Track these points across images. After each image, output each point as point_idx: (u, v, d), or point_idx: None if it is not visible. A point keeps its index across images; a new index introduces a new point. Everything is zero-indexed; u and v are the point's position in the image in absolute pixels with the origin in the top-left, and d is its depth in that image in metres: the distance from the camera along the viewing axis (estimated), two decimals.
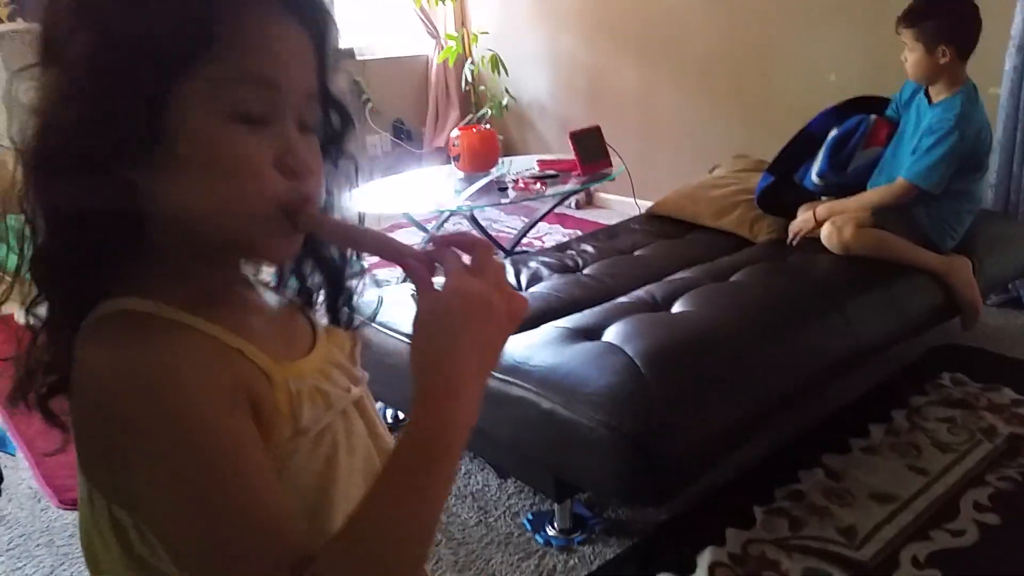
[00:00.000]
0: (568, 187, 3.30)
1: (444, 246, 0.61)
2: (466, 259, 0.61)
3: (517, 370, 1.75)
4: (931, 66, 2.40)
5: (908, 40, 2.42)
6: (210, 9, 0.56)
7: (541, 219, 3.63)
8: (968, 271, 2.45)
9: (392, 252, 0.63)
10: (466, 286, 0.59)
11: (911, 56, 2.43)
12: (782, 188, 2.74)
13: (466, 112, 5.24)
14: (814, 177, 2.66)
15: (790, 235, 2.61)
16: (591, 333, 1.93)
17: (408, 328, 0.59)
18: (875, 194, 2.51)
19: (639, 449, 1.53)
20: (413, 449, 0.57)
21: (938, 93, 2.45)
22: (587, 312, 2.07)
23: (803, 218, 2.59)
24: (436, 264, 0.61)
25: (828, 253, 2.46)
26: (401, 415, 2.37)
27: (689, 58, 4.18)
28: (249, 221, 0.60)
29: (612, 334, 1.90)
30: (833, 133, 2.65)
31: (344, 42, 4.94)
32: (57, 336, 0.62)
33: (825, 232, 2.47)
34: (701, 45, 4.10)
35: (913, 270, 2.40)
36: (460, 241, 0.62)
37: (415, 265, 0.61)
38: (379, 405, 2.23)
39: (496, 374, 1.77)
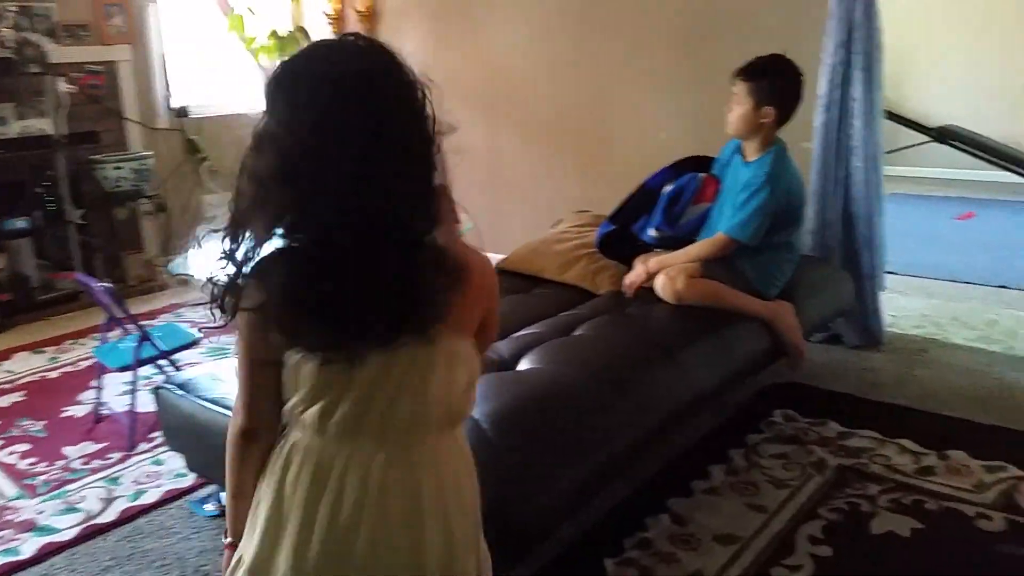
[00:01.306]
0: None
1: None
2: None
3: None
4: (753, 123, 2.56)
5: (740, 93, 2.55)
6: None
7: None
8: (791, 315, 2.61)
9: None
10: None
11: (737, 109, 2.57)
12: (622, 238, 2.84)
13: None
14: (650, 231, 2.78)
15: (624, 286, 2.71)
16: None
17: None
18: (698, 247, 2.64)
19: (489, 518, 1.51)
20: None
21: (752, 152, 2.62)
22: None
23: (636, 271, 2.70)
24: None
25: (663, 303, 2.56)
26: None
27: (534, 117, 4.31)
28: None
29: None
30: (667, 189, 2.78)
31: (178, 100, 4.78)
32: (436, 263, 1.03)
33: (659, 283, 2.58)
34: (545, 105, 4.23)
35: (742, 317, 2.54)
36: None
37: None
38: (213, 487, 2.10)
39: None
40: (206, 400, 2.07)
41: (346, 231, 0.99)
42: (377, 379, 1.04)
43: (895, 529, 2.07)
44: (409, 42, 4.72)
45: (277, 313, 1.01)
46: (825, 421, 2.63)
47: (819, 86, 3.10)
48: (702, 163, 2.86)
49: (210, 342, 3.53)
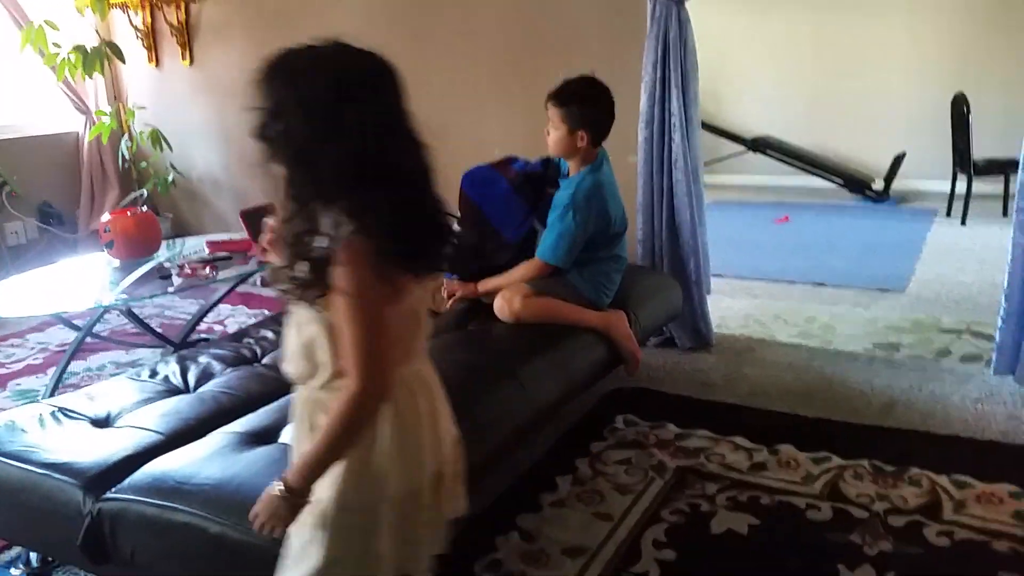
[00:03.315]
0: (245, 269, 3.13)
1: None
2: None
3: (179, 492, 1.56)
4: (570, 145, 2.60)
5: (554, 117, 2.59)
6: None
7: (213, 306, 3.40)
8: (624, 323, 2.66)
9: None
10: None
11: (555, 132, 2.61)
12: (487, 240, 2.79)
13: (128, 191, 4.85)
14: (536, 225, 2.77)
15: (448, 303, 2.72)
16: (266, 435, 1.80)
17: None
18: (520, 271, 2.66)
19: None
20: None
21: (574, 169, 2.67)
22: (263, 410, 1.93)
23: (465, 292, 2.72)
24: None
25: (502, 322, 2.55)
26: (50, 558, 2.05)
27: None
28: None
29: (290, 434, 1.78)
30: (552, 192, 2.76)
31: None
32: None
33: (496, 305, 2.58)
34: None
35: (578, 330, 2.56)
36: None
37: None
38: (18, 549, 1.87)
39: (154, 500, 1.57)
40: (2, 455, 1.85)
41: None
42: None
43: (734, 527, 2.13)
44: (229, 57, 4.52)
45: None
46: (663, 423, 2.69)
47: (641, 103, 3.20)
48: None
49: (17, 384, 3.20)
